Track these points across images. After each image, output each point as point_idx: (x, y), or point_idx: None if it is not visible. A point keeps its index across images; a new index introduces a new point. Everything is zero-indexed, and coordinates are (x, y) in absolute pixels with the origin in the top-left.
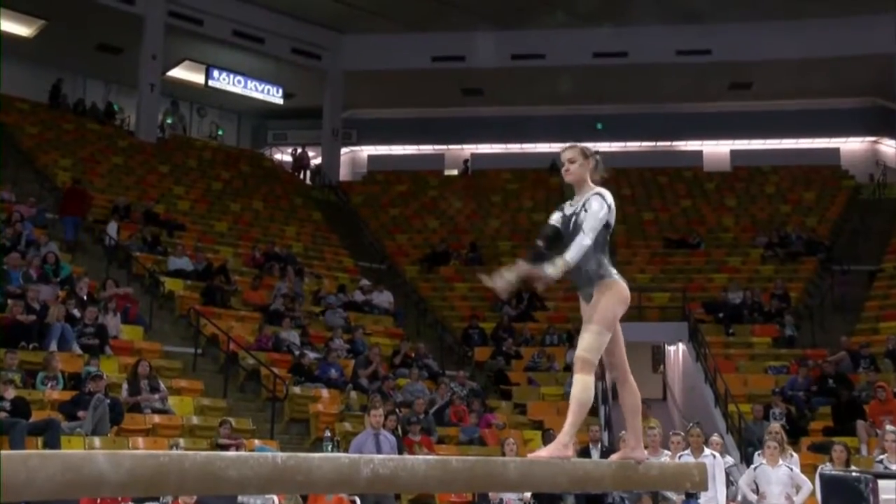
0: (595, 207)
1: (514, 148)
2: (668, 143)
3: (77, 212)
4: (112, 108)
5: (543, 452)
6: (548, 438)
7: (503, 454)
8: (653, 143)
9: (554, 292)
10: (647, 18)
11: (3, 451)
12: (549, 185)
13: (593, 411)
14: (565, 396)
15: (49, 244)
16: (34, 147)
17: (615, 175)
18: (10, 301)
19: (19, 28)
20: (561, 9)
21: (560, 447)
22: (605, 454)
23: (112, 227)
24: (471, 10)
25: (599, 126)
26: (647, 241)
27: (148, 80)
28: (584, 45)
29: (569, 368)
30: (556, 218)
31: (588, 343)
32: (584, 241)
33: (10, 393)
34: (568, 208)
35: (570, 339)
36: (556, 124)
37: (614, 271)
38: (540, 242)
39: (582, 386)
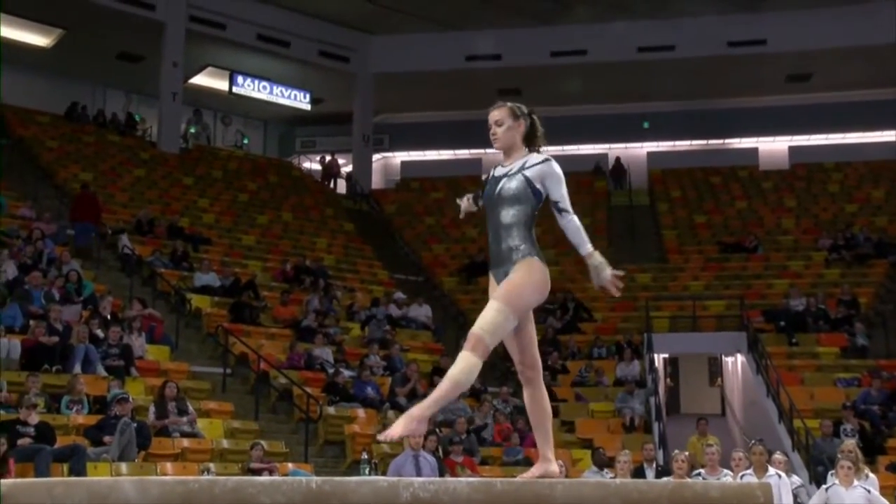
0: (555, 170)
1: (555, 150)
2: (720, 141)
3: (89, 217)
4: (133, 119)
5: (396, 429)
6: (598, 458)
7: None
8: (704, 142)
9: (602, 303)
10: (695, 9)
11: (27, 479)
12: (594, 188)
13: (647, 428)
14: (616, 413)
15: (71, 262)
16: (53, 161)
17: (663, 175)
18: (32, 322)
19: (37, 38)
20: (603, 2)
21: (412, 420)
22: (660, 474)
23: (124, 239)
24: (506, 6)
25: (646, 125)
26: (701, 245)
27: (170, 88)
28: (627, 40)
29: (620, 383)
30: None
31: (487, 321)
32: (573, 220)
33: (34, 418)
34: (498, 170)
35: (620, 352)
36: (599, 124)
37: (539, 252)
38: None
39: (464, 365)
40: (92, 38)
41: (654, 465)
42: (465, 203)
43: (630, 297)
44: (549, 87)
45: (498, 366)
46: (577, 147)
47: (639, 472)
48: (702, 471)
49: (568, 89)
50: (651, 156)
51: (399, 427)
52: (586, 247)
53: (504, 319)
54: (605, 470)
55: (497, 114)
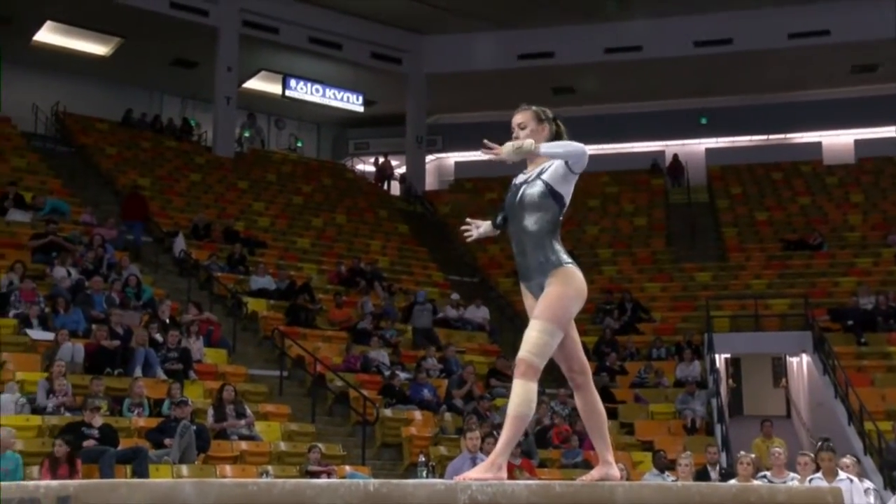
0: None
1: (611, 148)
2: (781, 136)
3: (138, 216)
4: (188, 124)
5: (472, 474)
6: (659, 460)
7: None
8: (764, 137)
9: (661, 302)
10: (753, 1)
11: (93, 480)
12: (651, 186)
13: (709, 430)
14: (677, 414)
15: (130, 267)
16: (112, 168)
17: (722, 172)
18: (94, 326)
19: (96, 47)
20: None
21: (493, 468)
22: (724, 477)
23: (180, 242)
24: (559, 3)
25: (703, 120)
26: (762, 243)
27: (224, 93)
28: (684, 34)
29: (680, 384)
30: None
31: (534, 343)
32: (572, 147)
33: (98, 420)
34: (519, 177)
35: (680, 353)
36: (655, 121)
37: (569, 259)
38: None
39: (522, 396)
40: (148, 45)
41: (718, 468)
42: (484, 228)
43: (689, 297)
44: (604, 85)
45: (555, 367)
46: (633, 145)
47: (702, 475)
48: (767, 474)
49: (622, 86)
50: (710, 152)
51: (477, 473)
52: (530, 142)
53: (550, 337)
54: (666, 473)
55: (520, 117)
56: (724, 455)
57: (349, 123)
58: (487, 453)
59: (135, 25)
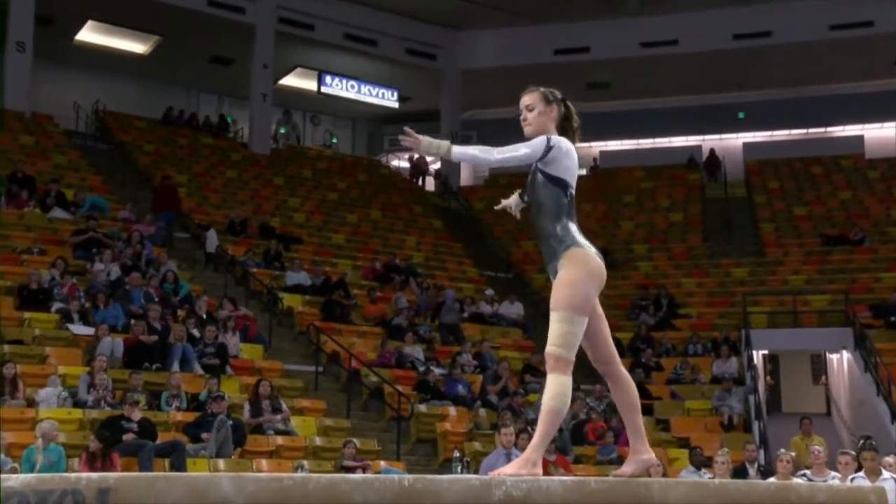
0: (559, 147)
1: (647, 143)
2: (821, 130)
3: (169, 207)
4: (225, 121)
5: (507, 470)
6: (695, 457)
7: (647, 475)
8: (804, 131)
9: (697, 298)
10: None
11: (132, 473)
12: (687, 181)
13: (746, 427)
14: (714, 411)
15: (168, 263)
16: (150, 165)
17: (760, 167)
18: (132, 321)
19: (135, 46)
20: None
21: (528, 464)
22: (763, 475)
23: (213, 236)
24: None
25: (741, 115)
26: (801, 238)
27: (260, 90)
28: (721, 27)
29: (717, 381)
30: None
31: (556, 335)
32: (489, 155)
33: (137, 414)
34: (534, 166)
35: (717, 349)
36: (692, 115)
37: (583, 239)
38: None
39: (556, 391)
40: (186, 43)
41: (756, 465)
42: (512, 200)
43: (726, 292)
44: (640, 80)
45: (590, 363)
46: (669, 140)
47: (740, 472)
48: (807, 472)
49: (658, 81)
50: (747, 146)
51: (512, 468)
52: (447, 143)
53: (571, 325)
54: (703, 470)
55: (528, 98)
56: (762, 453)
57: (384, 119)
58: (522, 449)
59: (173, 24)
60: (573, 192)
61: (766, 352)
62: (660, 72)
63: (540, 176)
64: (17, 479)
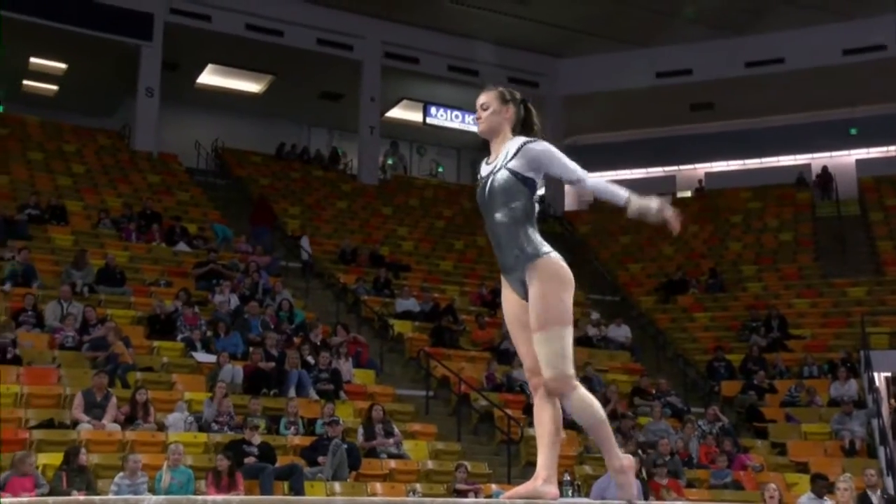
0: (539, 150)
1: (753, 163)
2: None
3: (265, 222)
4: (337, 153)
5: (522, 489)
6: (818, 487)
7: (763, 500)
8: None
9: (811, 318)
10: None
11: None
12: (797, 200)
13: (870, 453)
14: (833, 435)
15: (283, 292)
16: (266, 197)
17: (876, 183)
18: (251, 349)
19: (251, 85)
20: (801, 5)
21: (540, 482)
22: (889, 503)
23: (305, 243)
24: (696, 19)
25: (853, 131)
26: None
27: (368, 122)
28: (831, 43)
29: (835, 403)
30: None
31: (548, 357)
32: (591, 181)
33: (257, 438)
34: (484, 168)
35: (834, 371)
36: (800, 133)
37: (547, 247)
38: None
39: (581, 408)
40: (297, 81)
41: (880, 493)
42: None
43: (842, 313)
44: (745, 100)
45: (701, 385)
46: (777, 159)
47: (863, 500)
48: None
49: (764, 100)
50: (860, 163)
51: (526, 488)
52: (621, 195)
53: (559, 340)
54: (826, 497)
55: (484, 97)
56: (889, 479)
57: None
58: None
59: (285, 63)
60: (538, 196)
61: (888, 374)
62: (765, 91)
63: (507, 175)
64: (150, 500)
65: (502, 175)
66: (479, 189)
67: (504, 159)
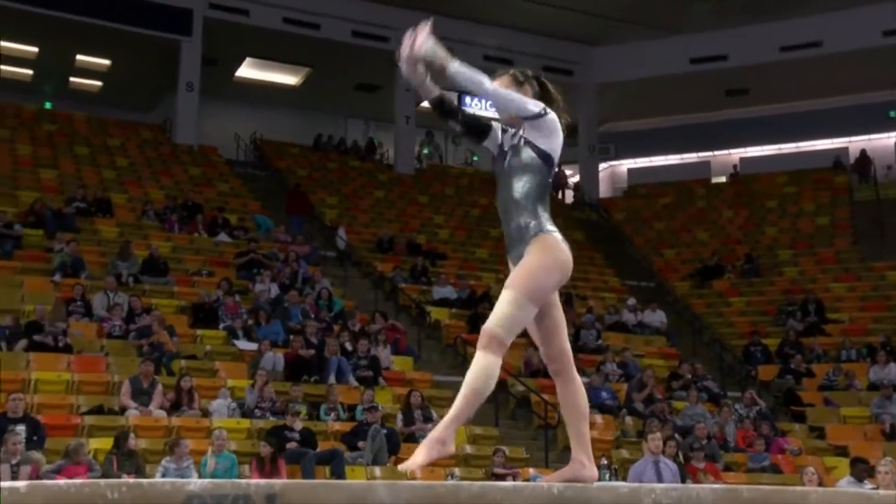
0: (545, 118)
1: (789, 148)
2: None
3: (300, 210)
4: (373, 144)
5: (413, 460)
6: (858, 470)
7: (802, 483)
8: None
9: (849, 303)
10: None
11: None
12: (833, 184)
13: None
14: (873, 419)
15: (322, 281)
16: (304, 188)
17: None
18: (291, 337)
19: (288, 78)
20: None
21: (436, 444)
22: None
23: (341, 232)
24: (730, 4)
25: (892, 114)
26: None
27: (403, 113)
28: (869, 25)
29: (874, 387)
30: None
31: (501, 314)
32: (484, 82)
33: (298, 424)
34: (506, 139)
35: (873, 354)
36: (837, 117)
37: (553, 227)
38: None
39: (482, 369)
40: (334, 73)
41: None
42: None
43: (880, 297)
44: (780, 84)
45: (737, 370)
46: (813, 143)
47: None
48: None
49: (800, 84)
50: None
51: (421, 454)
52: (452, 63)
53: (519, 309)
54: (866, 481)
55: (497, 83)
56: None
57: None
58: (670, 457)
59: (321, 56)
60: (553, 173)
61: None
62: (802, 75)
63: (526, 148)
64: (196, 484)
65: (524, 148)
66: (498, 163)
67: (522, 131)
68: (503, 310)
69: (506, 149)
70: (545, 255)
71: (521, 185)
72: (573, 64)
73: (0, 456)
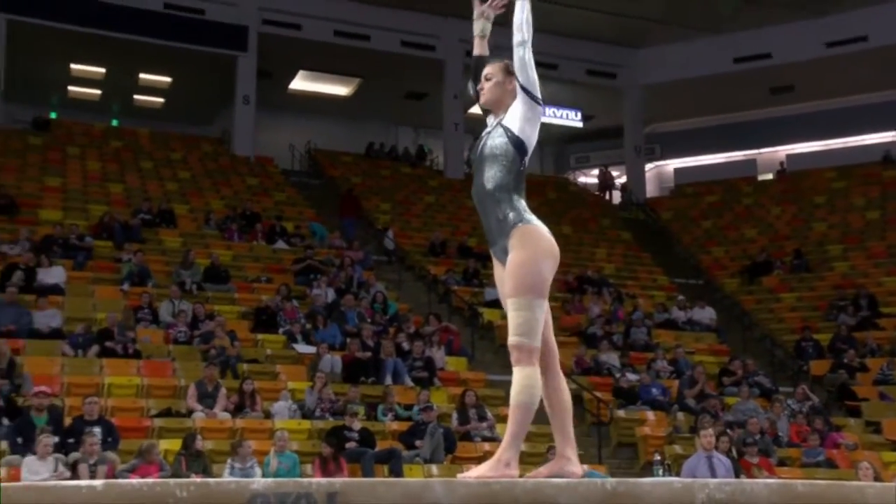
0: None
1: (836, 143)
2: None
3: (352, 214)
4: (423, 150)
5: (474, 472)
6: None
7: (858, 478)
8: None
9: None
10: None
11: (356, 479)
12: (883, 178)
13: None
14: None
15: (377, 285)
16: (357, 196)
17: None
18: (348, 340)
19: (339, 89)
20: None
21: (500, 466)
22: None
23: (390, 234)
24: (774, 2)
25: None
26: None
27: (452, 119)
28: None
29: None
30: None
31: (516, 324)
32: (529, 39)
33: (357, 424)
34: (484, 132)
35: None
36: (885, 111)
37: (532, 216)
38: None
39: (523, 383)
40: (384, 82)
41: None
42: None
43: None
44: (826, 80)
45: (789, 365)
46: (860, 138)
47: None
48: None
49: (846, 79)
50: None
51: (485, 470)
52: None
53: (529, 311)
54: None
55: (489, 69)
56: None
57: (569, 139)
58: (723, 452)
59: (372, 66)
60: (526, 163)
61: None
62: (848, 70)
63: (501, 134)
64: (260, 483)
65: (498, 133)
66: (473, 151)
67: (500, 120)
68: (515, 319)
69: (483, 135)
70: (530, 248)
71: (492, 175)
72: (617, 67)
73: (78, 456)
